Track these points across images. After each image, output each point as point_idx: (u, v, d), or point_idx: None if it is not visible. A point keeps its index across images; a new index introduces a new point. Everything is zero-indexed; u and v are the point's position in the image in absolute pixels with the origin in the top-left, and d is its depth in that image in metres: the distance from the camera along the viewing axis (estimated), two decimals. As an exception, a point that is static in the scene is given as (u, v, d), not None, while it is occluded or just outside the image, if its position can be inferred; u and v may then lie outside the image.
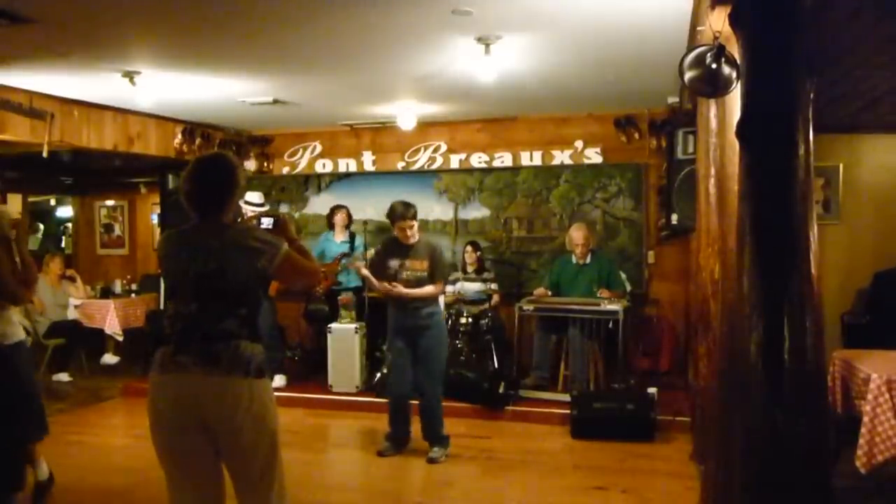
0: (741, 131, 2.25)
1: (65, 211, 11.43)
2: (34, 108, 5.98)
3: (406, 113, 7.05)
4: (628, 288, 6.76)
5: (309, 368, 7.28)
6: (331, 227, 7.46)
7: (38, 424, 4.00)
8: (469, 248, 7.26)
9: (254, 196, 6.93)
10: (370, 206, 7.56)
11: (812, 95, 2.19)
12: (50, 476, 4.17)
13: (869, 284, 6.43)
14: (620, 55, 5.04)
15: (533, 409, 6.04)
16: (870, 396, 3.64)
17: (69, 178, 9.85)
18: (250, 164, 8.47)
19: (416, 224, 4.99)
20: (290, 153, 8.41)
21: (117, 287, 8.53)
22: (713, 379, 3.90)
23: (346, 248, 7.18)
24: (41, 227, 11.30)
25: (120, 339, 7.85)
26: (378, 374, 6.66)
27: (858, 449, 3.63)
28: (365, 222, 7.44)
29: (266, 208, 6.99)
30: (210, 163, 2.77)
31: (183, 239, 2.70)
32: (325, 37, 4.65)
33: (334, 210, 7.47)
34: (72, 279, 7.88)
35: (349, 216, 7.43)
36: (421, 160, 7.96)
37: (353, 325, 6.69)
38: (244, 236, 2.64)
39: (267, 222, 2.99)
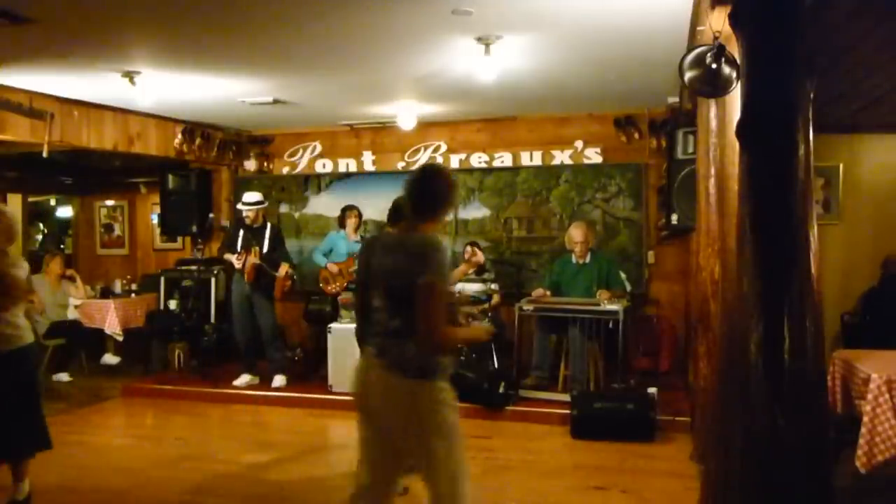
0: (741, 131, 2.25)
1: (65, 211, 11.43)
2: (34, 108, 5.98)
3: (406, 113, 7.05)
4: (628, 288, 6.74)
5: (309, 368, 7.29)
6: (341, 226, 7.35)
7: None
8: (469, 248, 7.25)
9: (249, 196, 6.92)
10: (370, 206, 7.55)
11: (812, 95, 2.19)
12: (29, 496, 4.06)
13: (877, 284, 6.45)
14: (621, 55, 5.04)
15: (533, 409, 6.04)
16: (870, 396, 3.64)
17: (69, 178, 9.84)
18: (250, 164, 8.49)
19: None
20: (290, 153, 8.41)
21: (117, 287, 8.54)
22: (713, 379, 3.90)
23: (359, 248, 7.16)
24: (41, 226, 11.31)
25: (120, 339, 7.85)
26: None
27: (858, 449, 3.64)
28: (365, 222, 7.43)
29: (263, 205, 6.96)
30: (426, 172, 2.96)
31: (382, 241, 3.17)
32: (324, 37, 4.65)
33: (347, 212, 7.30)
34: (72, 279, 7.87)
35: (360, 216, 7.31)
36: (421, 160, 7.94)
37: (353, 325, 6.66)
38: (423, 243, 2.75)
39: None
